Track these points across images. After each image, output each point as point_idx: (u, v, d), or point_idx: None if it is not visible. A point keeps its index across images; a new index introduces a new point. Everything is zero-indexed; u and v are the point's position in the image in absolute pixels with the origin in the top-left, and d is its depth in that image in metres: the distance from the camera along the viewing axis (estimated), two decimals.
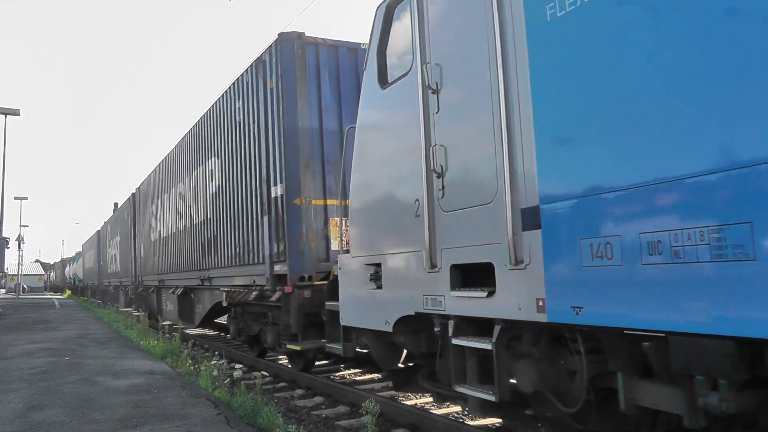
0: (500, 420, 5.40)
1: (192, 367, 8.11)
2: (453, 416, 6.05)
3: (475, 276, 4.36)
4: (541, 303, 3.63)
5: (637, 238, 2.96)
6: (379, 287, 5.44)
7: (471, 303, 4.21)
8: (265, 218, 8.72)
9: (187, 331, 15.99)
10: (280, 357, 10.00)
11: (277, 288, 8.21)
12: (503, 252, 3.88)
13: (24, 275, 62.20)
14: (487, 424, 5.70)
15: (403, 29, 5.19)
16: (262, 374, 7.36)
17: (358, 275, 5.81)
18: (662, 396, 3.23)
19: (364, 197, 5.75)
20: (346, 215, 8.33)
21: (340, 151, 8.37)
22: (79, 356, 9.45)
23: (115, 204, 32.94)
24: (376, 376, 8.45)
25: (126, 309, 23.53)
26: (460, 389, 4.36)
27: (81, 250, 50.97)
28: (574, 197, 3.37)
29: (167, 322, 15.20)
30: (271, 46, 8.68)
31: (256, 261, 9.22)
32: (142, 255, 20.74)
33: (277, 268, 8.31)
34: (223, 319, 15.29)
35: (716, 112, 2.67)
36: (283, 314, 8.27)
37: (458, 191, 4.39)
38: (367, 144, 5.76)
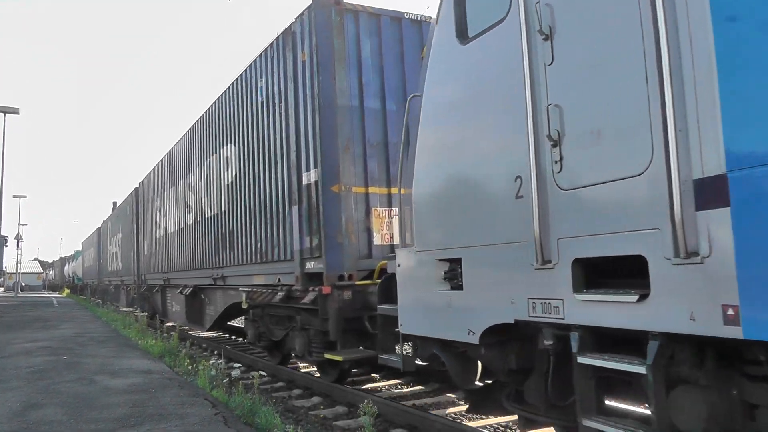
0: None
1: (190, 367, 8.07)
2: (451, 416, 5.93)
3: (604, 274, 3.37)
4: (731, 312, 2.61)
5: None
6: (457, 288, 4.44)
7: (610, 310, 3.18)
8: (295, 209, 7.68)
9: (193, 333, 14.99)
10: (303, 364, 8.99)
11: (310, 288, 7.18)
12: (663, 240, 2.86)
13: (22, 273, 62.67)
14: (486, 425, 5.54)
15: None
16: (260, 374, 7.24)
17: (425, 274, 4.80)
18: None
19: (437, 179, 4.73)
20: (391, 205, 7.36)
21: (383, 131, 7.38)
22: (78, 355, 9.36)
23: (114, 203, 31.93)
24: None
25: (127, 309, 22.44)
26: (591, 423, 3.32)
27: (80, 248, 50.29)
28: None
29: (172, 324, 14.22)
30: (302, 13, 7.65)
31: (281, 258, 8.19)
32: (145, 252, 19.71)
33: (310, 265, 7.28)
34: (235, 322, 14.26)
35: None
36: (315, 318, 7.24)
37: (585, 162, 3.37)
38: (441, 113, 4.74)
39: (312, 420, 6.16)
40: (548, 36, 3.61)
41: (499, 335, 4.24)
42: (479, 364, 5.04)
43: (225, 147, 10.95)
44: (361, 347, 6.98)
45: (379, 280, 6.80)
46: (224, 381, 6.98)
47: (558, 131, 3.55)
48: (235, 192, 10.23)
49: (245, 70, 9.96)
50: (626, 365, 3.08)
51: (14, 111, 28.95)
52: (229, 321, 13.22)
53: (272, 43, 8.65)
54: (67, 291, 57.91)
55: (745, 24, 2.62)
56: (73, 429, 4.83)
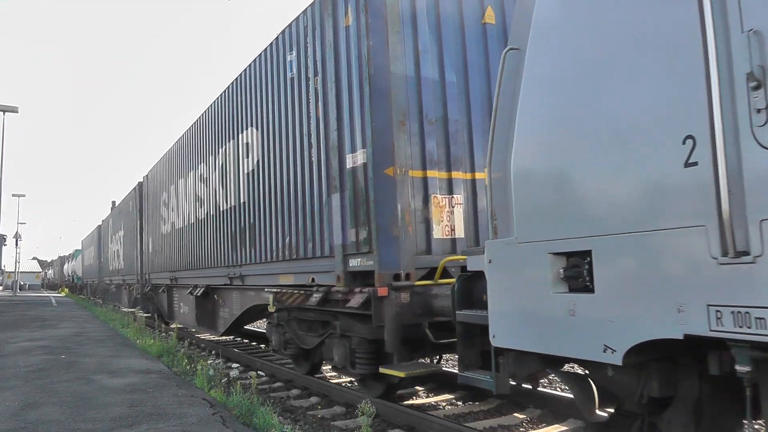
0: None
1: (188, 367, 8.01)
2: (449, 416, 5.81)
3: None
4: None
5: None
6: (583, 290, 3.40)
7: None
8: (335, 197, 6.60)
9: (203, 336, 13.93)
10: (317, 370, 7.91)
11: (355, 289, 6.10)
12: None
13: (21, 272, 62.41)
14: (485, 425, 5.53)
15: None
16: (258, 374, 7.03)
17: (532, 271, 3.76)
18: None
19: (553, 150, 3.68)
20: (452, 192, 6.28)
21: (443, 106, 6.31)
22: (76, 354, 9.30)
23: (113, 202, 30.84)
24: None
25: (130, 310, 21.30)
26: None
27: (80, 247, 49.41)
28: None
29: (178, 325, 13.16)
30: None
31: (316, 254, 7.11)
32: (150, 250, 18.58)
33: (355, 262, 6.19)
34: (254, 326, 13.18)
35: None
36: (361, 325, 6.17)
37: None
38: (557, 60, 3.68)
39: (310, 420, 6.10)
40: None
41: (643, 353, 3.23)
42: (594, 388, 4.01)
43: (245, 132, 9.85)
44: (420, 360, 5.92)
45: (443, 281, 5.77)
46: (222, 381, 7.00)
47: (762, 67, 2.52)
48: (257, 181, 9.14)
49: (269, 45, 8.88)
50: None
51: (13, 110, 28.91)
52: (246, 325, 12.09)
53: (306, 10, 7.57)
54: (66, 290, 57.11)
55: None
56: (71, 428, 4.80)
